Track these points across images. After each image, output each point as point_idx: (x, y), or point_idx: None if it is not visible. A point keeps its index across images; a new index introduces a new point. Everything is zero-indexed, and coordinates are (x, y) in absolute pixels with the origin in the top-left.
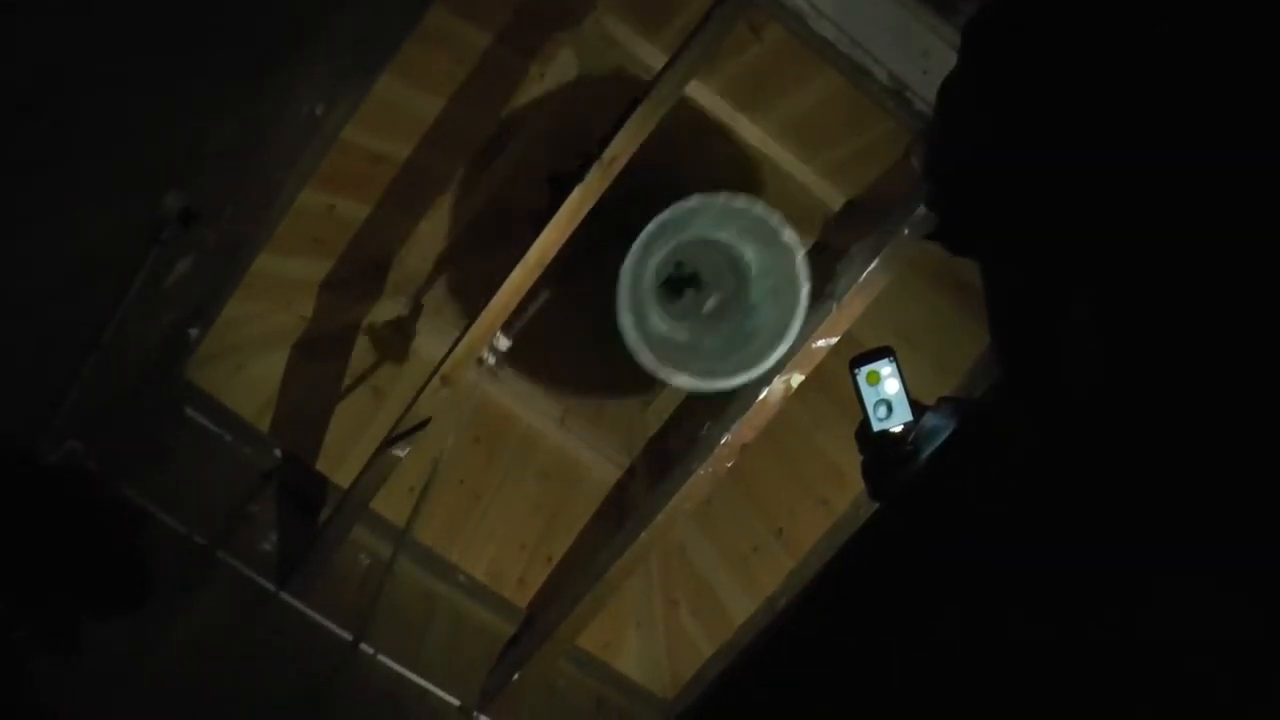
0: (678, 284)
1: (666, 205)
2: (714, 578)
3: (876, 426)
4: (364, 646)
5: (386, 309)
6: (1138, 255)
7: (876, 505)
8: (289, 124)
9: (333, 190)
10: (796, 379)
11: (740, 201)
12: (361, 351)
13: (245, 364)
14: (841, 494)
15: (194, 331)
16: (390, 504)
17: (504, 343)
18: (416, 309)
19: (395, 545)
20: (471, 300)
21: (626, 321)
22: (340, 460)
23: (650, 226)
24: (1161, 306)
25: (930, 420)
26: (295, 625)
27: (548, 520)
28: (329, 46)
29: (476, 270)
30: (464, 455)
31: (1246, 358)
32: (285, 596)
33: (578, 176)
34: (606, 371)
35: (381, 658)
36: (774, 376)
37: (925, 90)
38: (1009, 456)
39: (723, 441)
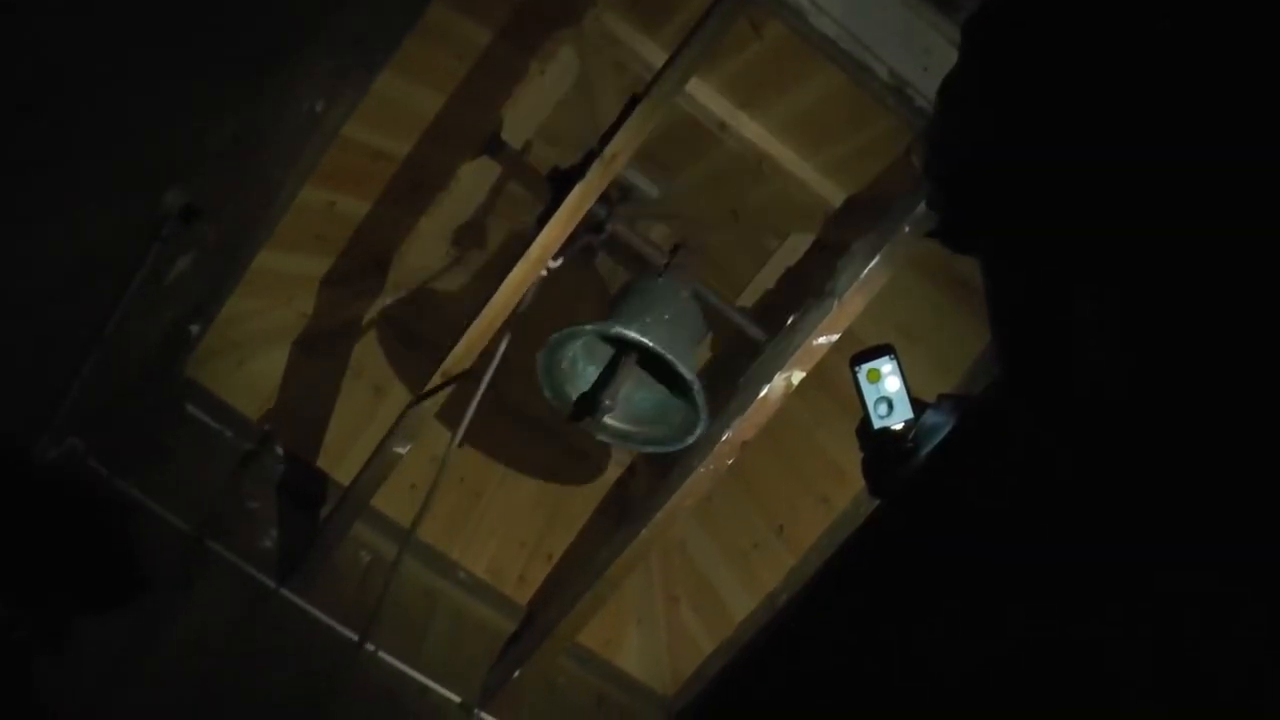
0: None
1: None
2: (715, 575)
3: (877, 424)
4: (365, 643)
5: (387, 306)
6: (1139, 252)
7: (877, 503)
8: (289, 121)
9: (333, 187)
10: (797, 376)
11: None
12: (362, 348)
13: (246, 361)
14: (842, 491)
15: (195, 328)
16: (391, 501)
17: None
18: (417, 306)
19: (400, 545)
20: (472, 297)
21: (553, 403)
22: (341, 457)
23: (554, 337)
24: (1161, 303)
25: (930, 417)
26: (296, 622)
27: (548, 518)
28: (329, 44)
29: (477, 267)
30: (465, 453)
31: (1247, 352)
32: (286, 593)
33: (578, 174)
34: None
35: (382, 655)
36: (777, 370)
37: (926, 87)
38: (1009, 454)
39: (723, 439)
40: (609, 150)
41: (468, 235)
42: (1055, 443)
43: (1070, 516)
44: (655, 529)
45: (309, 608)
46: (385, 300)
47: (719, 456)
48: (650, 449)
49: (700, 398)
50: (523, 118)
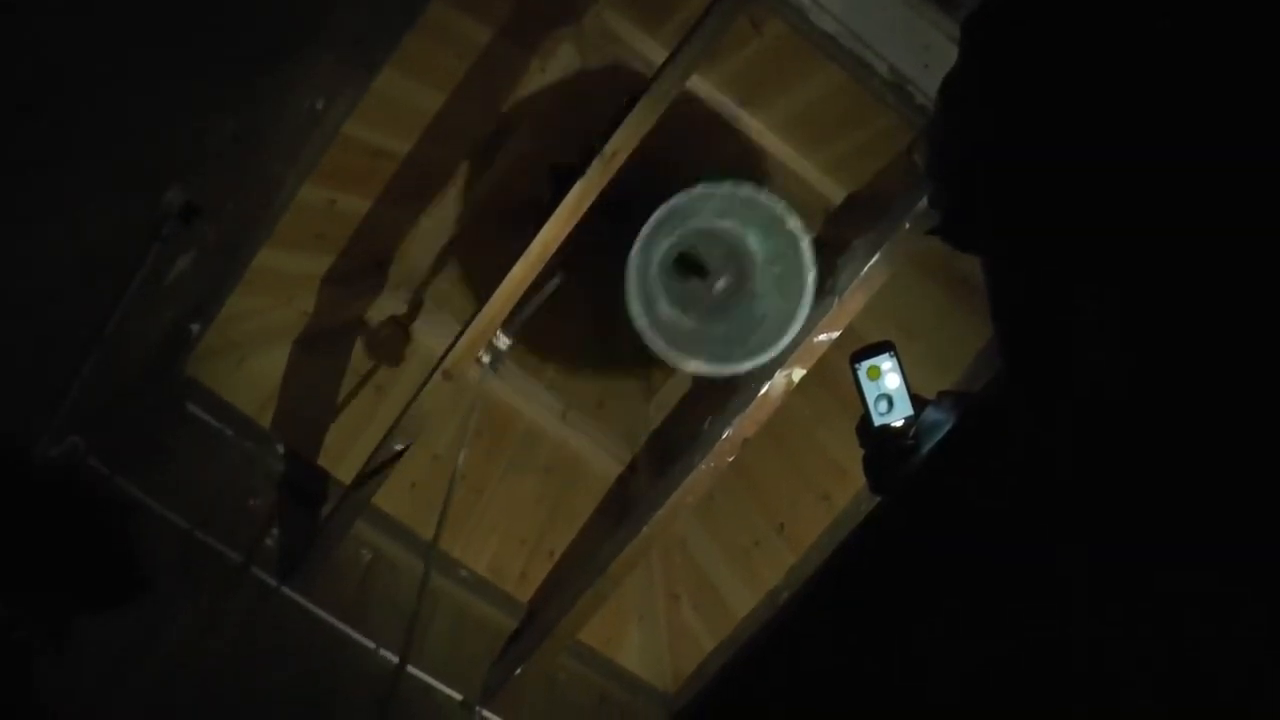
0: (684, 271)
1: (669, 198)
2: (715, 572)
3: (877, 421)
4: (366, 641)
5: (388, 304)
6: (1140, 252)
7: (878, 501)
8: (290, 119)
9: (334, 185)
10: (798, 374)
11: (745, 190)
12: (363, 347)
13: (247, 359)
14: (843, 489)
15: (195, 327)
16: (392, 499)
17: (504, 341)
18: (418, 304)
19: (426, 560)
20: (473, 295)
21: (636, 308)
22: (341, 455)
23: (656, 214)
24: (1161, 303)
25: (931, 415)
26: (297, 620)
27: (549, 515)
28: (329, 42)
29: (478, 265)
30: (466, 450)
31: (1247, 352)
32: (287, 592)
33: (579, 171)
34: (608, 366)
35: (383, 652)
36: (778, 367)
37: (926, 85)
38: (1009, 453)
39: (724, 436)
40: (609, 147)
41: (468, 234)
42: (1055, 442)
43: (1070, 516)
44: (656, 527)
45: (310, 606)
46: (386, 299)
47: (720, 454)
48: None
49: (807, 248)
50: (523, 115)
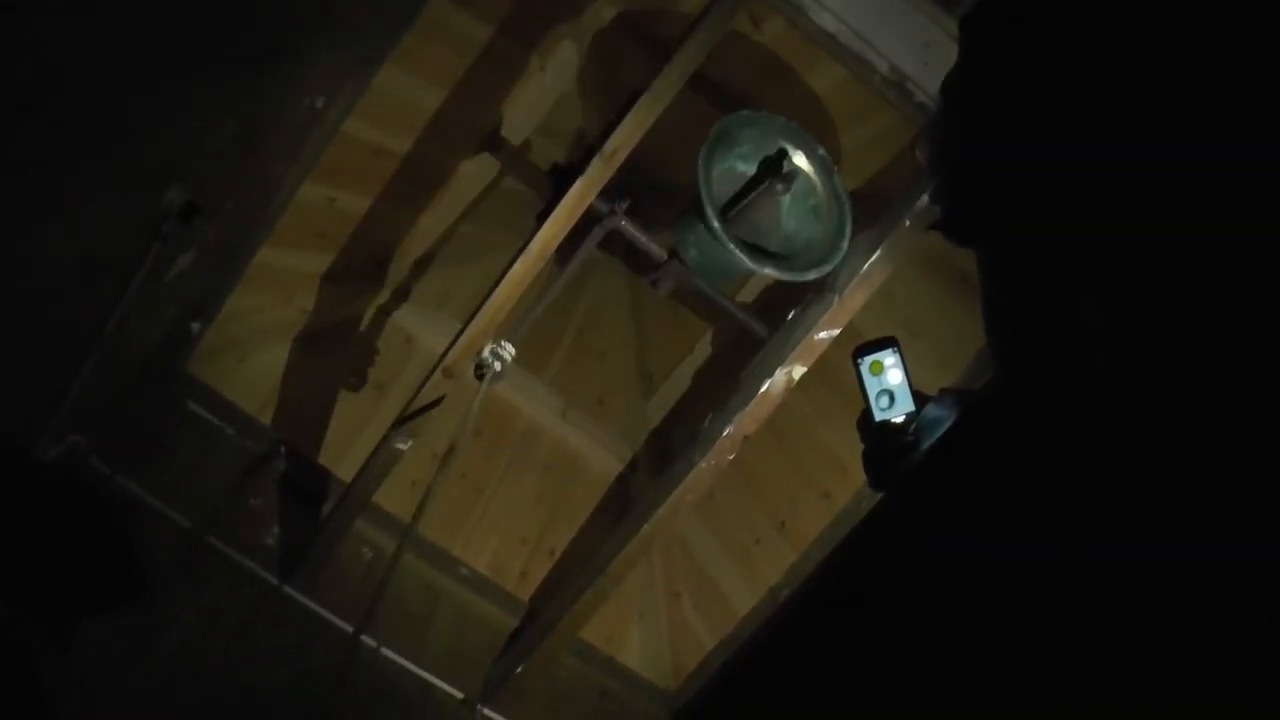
0: (763, 173)
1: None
2: (716, 570)
3: (878, 416)
4: (366, 640)
5: (388, 302)
6: (1140, 252)
7: (878, 498)
8: (289, 117)
9: (334, 183)
10: (798, 371)
11: (781, 118)
12: (363, 345)
13: (247, 358)
14: (843, 486)
15: (196, 326)
16: (392, 497)
17: (508, 351)
18: (418, 302)
19: (400, 542)
20: (473, 293)
21: (710, 212)
22: (342, 454)
23: (711, 135)
24: (1163, 302)
25: (931, 411)
26: (298, 619)
27: (550, 513)
28: (329, 40)
29: (478, 263)
30: (466, 449)
31: (1248, 350)
32: (288, 590)
33: (579, 169)
34: (609, 364)
35: (385, 651)
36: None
37: (926, 82)
38: (1010, 452)
39: (725, 434)
40: (609, 146)
41: (468, 232)
42: (1056, 441)
43: (1071, 514)
44: (657, 524)
45: (311, 605)
46: (385, 297)
47: (720, 451)
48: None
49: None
50: (523, 113)
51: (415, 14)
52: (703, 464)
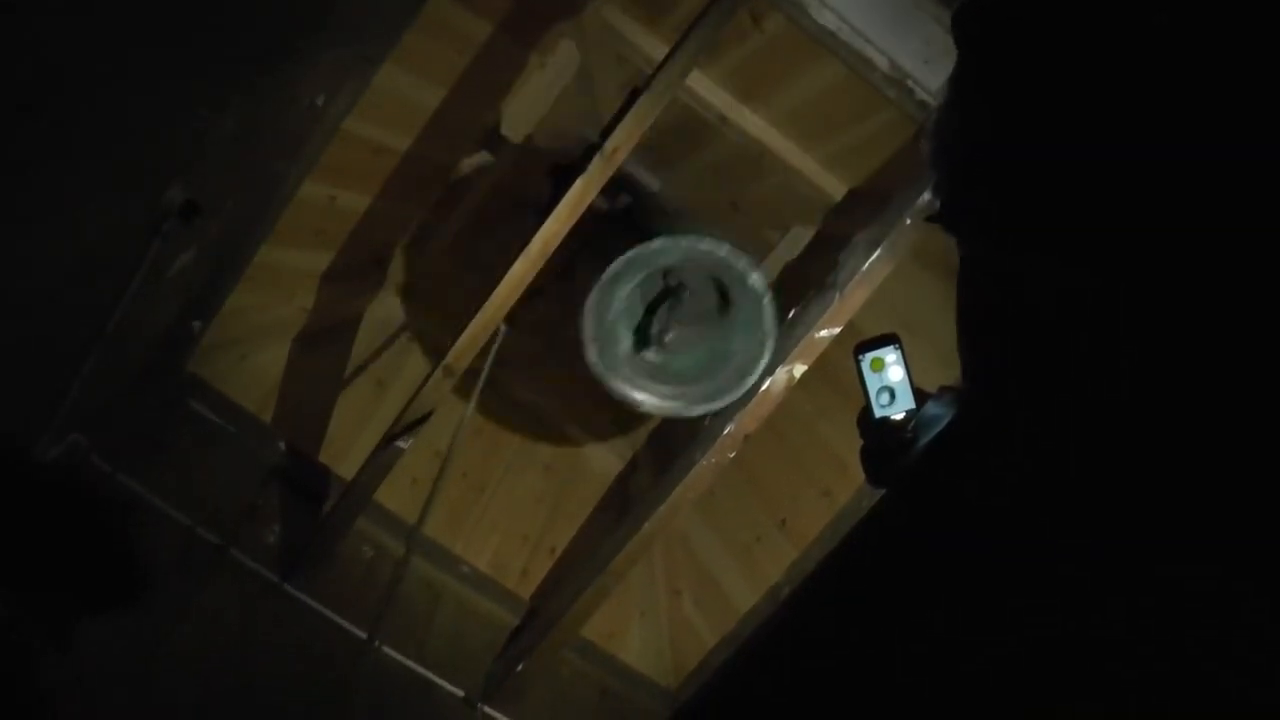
0: (657, 301)
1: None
2: (717, 568)
3: (878, 413)
4: (367, 638)
5: (388, 301)
6: (1141, 250)
7: (879, 496)
8: (290, 116)
9: (334, 182)
10: (799, 369)
11: (706, 244)
12: (364, 343)
13: (248, 356)
14: (844, 485)
15: (196, 324)
16: (393, 496)
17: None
18: (418, 301)
19: (406, 548)
20: (474, 292)
21: (592, 352)
22: (343, 452)
23: (615, 265)
24: (1163, 301)
25: (930, 408)
26: (299, 617)
27: (550, 512)
28: (330, 38)
29: (478, 262)
30: (467, 447)
31: (1249, 349)
32: (289, 589)
33: (579, 168)
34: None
35: (386, 649)
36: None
37: (927, 79)
38: (1010, 451)
39: (725, 432)
40: (609, 144)
41: (468, 231)
42: (1057, 439)
43: (1071, 513)
44: (658, 522)
45: (313, 603)
46: (386, 295)
47: (721, 449)
48: (700, 410)
49: (769, 305)
50: (523, 112)
51: (415, 12)
52: (703, 462)
